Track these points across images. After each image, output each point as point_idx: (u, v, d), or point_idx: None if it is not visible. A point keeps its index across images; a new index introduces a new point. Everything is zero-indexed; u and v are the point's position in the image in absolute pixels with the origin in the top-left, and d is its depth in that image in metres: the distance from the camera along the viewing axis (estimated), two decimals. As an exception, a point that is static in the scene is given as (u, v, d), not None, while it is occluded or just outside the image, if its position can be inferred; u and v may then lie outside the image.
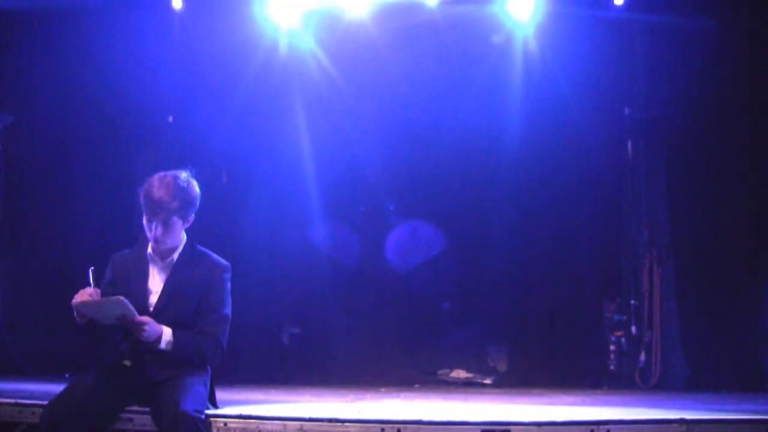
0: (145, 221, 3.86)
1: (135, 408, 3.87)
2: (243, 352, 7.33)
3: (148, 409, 3.81)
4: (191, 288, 3.89)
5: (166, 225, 3.82)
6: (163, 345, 3.73)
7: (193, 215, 3.94)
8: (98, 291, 3.68)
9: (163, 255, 3.94)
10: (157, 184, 3.81)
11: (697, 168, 6.81)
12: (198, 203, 3.93)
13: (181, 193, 3.82)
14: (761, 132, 6.62)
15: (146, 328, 3.67)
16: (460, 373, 7.21)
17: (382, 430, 3.73)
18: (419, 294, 7.43)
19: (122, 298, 3.63)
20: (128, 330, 3.73)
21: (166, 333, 3.75)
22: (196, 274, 3.92)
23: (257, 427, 3.83)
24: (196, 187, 3.92)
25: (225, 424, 3.85)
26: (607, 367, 7.10)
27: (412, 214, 7.55)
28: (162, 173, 3.87)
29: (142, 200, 3.83)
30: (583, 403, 5.16)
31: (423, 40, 7.17)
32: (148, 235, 3.86)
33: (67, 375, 6.52)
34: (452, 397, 5.58)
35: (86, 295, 3.65)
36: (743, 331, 6.51)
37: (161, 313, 3.84)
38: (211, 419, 3.85)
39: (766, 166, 6.64)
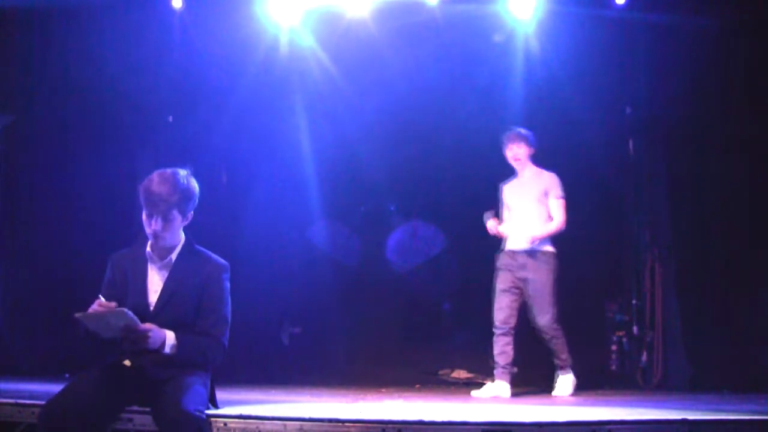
0: (144, 216, 3.87)
1: (135, 408, 3.86)
2: (243, 352, 7.32)
3: (148, 409, 3.79)
4: (190, 288, 3.89)
5: (166, 219, 3.83)
6: (167, 349, 3.73)
7: (192, 213, 3.94)
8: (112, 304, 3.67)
9: (161, 254, 3.93)
10: (157, 179, 3.84)
11: (699, 167, 6.79)
12: (197, 200, 3.94)
13: (181, 187, 3.85)
14: (764, 131, 6.61)
15: (150, 335, 3.67)
16: (461, 373, 7.20)
17: (383, 430, 3.71)
18: (419, 294, 7.42)
19: (125, 309, 3.62)
20: (132, 340, 3.71)
21: (170, 337, 3.74)
22: (195, 274, 3.91)
23: (257, 427, 3.82)
24: (195, 184, 3.94)
25: (225, 424, 3.84)
26: (608, 367, 7.09)
27: (412, 214, 7.54)
28: (161, 169, 3.88)
29: (142, 196, 3.84)
30: (585, 404, 5.15)
31: (423, 39, 7.16)
32: (148, 230, 3.87)
33: (67, 375, 6.51)
34: (453, 397, 5.56)
35: (97, 305, 3.66)
36: (746, 331, 6.49)
37: (161, 313, 3.84)
38: (211, 419, 3.84)
39: (768, 164, 6.63)
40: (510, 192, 6.26)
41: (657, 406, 4.82)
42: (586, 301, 7.19)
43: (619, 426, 3.71)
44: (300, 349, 7.50)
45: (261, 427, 3.82)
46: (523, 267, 6.02)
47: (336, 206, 7.53)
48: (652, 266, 6.98)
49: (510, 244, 6.13)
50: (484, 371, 7.27)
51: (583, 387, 6.51)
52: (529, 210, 6.10)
